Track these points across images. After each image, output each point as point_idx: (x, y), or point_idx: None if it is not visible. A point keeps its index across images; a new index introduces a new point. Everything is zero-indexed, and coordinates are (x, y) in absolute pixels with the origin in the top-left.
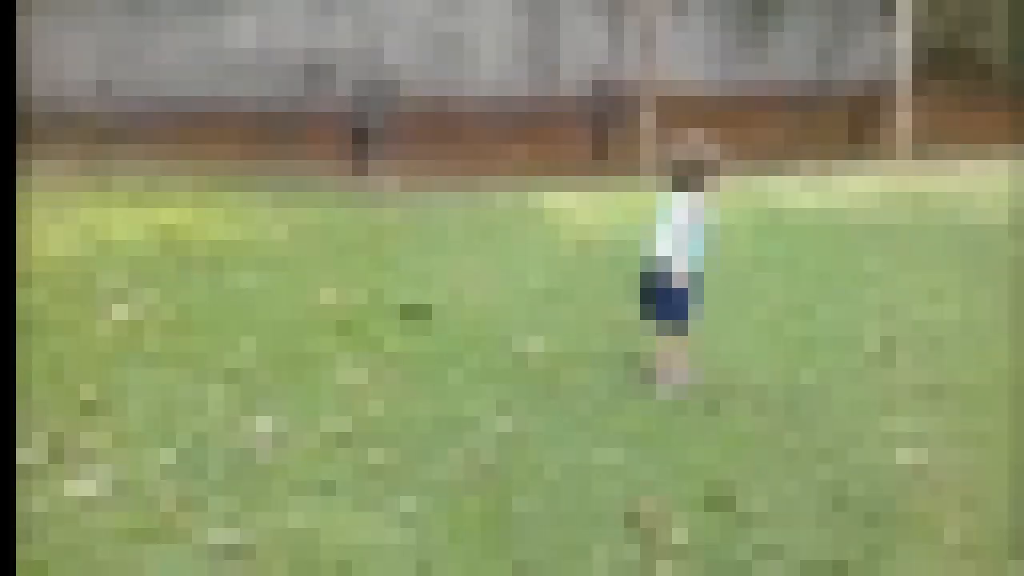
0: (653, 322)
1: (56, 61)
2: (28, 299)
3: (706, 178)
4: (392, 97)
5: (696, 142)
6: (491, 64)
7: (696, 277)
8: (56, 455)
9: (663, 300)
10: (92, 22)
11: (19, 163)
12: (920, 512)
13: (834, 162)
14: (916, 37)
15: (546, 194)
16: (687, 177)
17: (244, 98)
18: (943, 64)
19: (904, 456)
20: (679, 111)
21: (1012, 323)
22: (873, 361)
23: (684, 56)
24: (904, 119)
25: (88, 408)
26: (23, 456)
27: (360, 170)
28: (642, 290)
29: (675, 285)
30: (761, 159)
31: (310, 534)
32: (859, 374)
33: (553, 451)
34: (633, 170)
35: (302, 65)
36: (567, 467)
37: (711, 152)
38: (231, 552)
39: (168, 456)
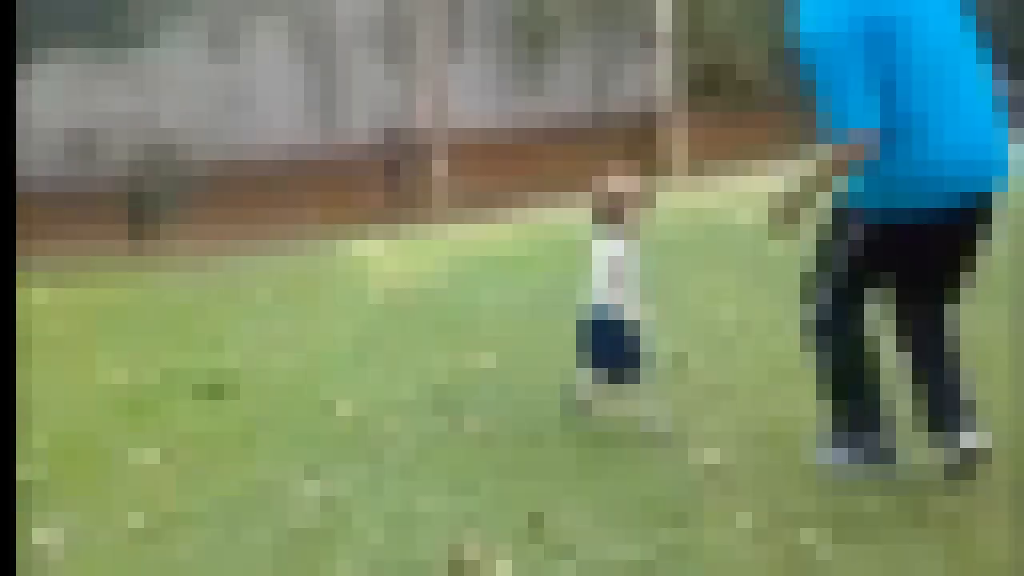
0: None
1: None
2: None
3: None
4: (172, 162)
5: (616, 176)
6: (274, 116)
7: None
8: None
9: (601, 346)
10: None
11: None
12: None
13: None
14: (679, 65)
15: (347, 243)
16: (609, 211)
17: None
18: (708, 86)
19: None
20: (471, 150)
21: (787, 320)
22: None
23: (467, 93)
24: (678, 138)
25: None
26: None
27: (136, 248)
28: (579, 337)
29: (626, 334)
30: (547, 190)
31: None
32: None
33: (368, 506)
34: (427, 214)
35: (75, 141)
36: (389, 517)
37: (631, 184)
38: None
39: None
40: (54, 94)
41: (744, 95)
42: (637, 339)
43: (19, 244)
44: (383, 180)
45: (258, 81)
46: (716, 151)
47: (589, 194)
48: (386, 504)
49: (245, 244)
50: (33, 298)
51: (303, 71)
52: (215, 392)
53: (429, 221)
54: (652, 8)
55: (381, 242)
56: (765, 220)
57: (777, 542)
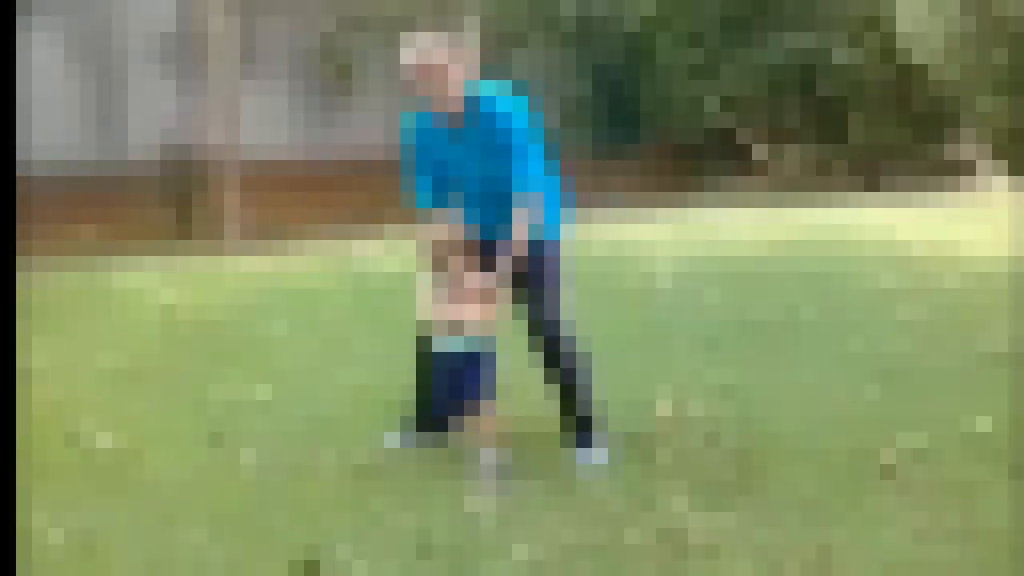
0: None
1: None
2: None
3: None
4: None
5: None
6: (51, 131)
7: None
8: None
9: (454, 384)
10: None
11: None
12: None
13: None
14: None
15: (124, 274)
16: (434, 260)
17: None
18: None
19: None
20: (263, 180)
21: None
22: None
23: (262, 123)
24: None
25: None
26: None
27: None
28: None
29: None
30: (346, 223)
31: None
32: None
33: (128, 545)
34: (216, 242)
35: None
36: (149, 562)
37: (455, 232)
38: None
39: None
40: None
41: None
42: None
43: None
44: (167, 203)
45: (32, 87)
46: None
47: (383, 227)
48: (145, 542)
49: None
50: None
51: (79, 82)
52: None
53: (218, 251)
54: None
55: (157, 272)
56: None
57: None
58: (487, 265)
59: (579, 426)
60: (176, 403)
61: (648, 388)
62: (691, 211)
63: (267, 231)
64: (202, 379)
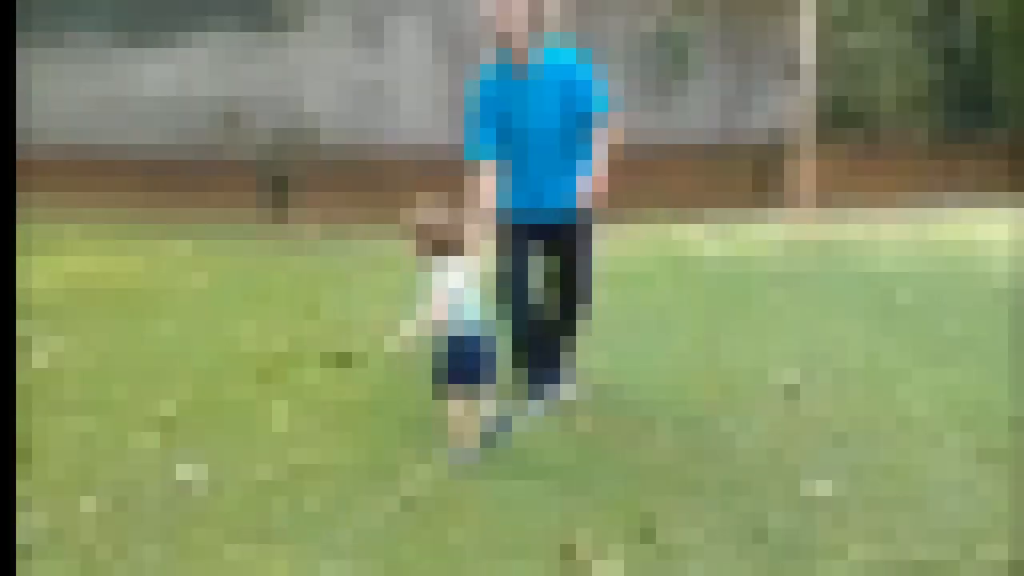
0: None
1: None
2: None
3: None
4: (311, 145)
5: (435, 205)
6: (410, 113)
7: (488, 341)
8: None
9: (456, 366)
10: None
11: None
12: (830, 542)
13: (739, 211)
14: (808, 99)
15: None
16: (445, 243)
17: (160, 146)
18: (834, 124)
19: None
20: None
21: (913, 368)
22: (782, 400)
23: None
24: (805, 171)
25: (20, 456)
26: None
27: (278, 217)
28: (437, 363)
29: (466, 349)
30: (670, 207)
31: None
32: (770, 412)
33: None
34: None
35: (220, 113)
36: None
37: (455, 216)
38: None
39: (99, 504)
40: (203, 70)
41: (871, 141)
42: (488, 355)
43: (159, 212)
44: None
45: (400, 75)
46: (845, 188)
47: (708, 212)
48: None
49: (369, 228)
50: (177, 250)
51: (447, 70)
52: (342, 360)
53: None
54: (792, 35)
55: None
56: (901, 266)
57: None
58: (526, 229)
59: (538, 372)
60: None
61: None
62: None
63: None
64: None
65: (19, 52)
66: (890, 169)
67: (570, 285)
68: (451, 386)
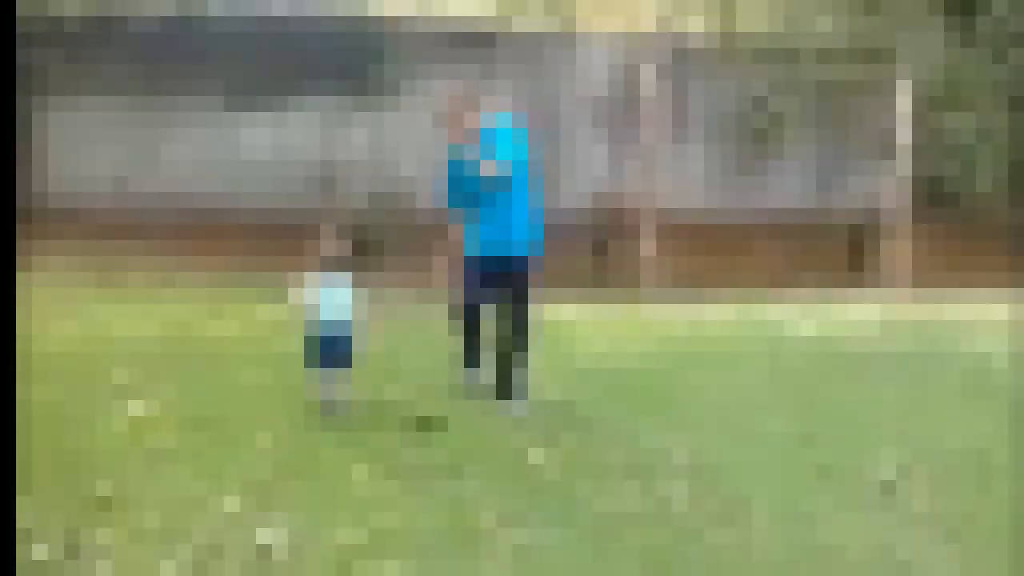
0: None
1: (73, 161)
2: (42, 394)
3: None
4: (406, 209)
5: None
6: None
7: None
8: (71, 551)
9: (328, 350)
10: (111, 125)
11: (31, 258)
12: None
13: (832, 290)
14: (904, 179)
15: (549, 306)
16: (346, 260)
17: (261, 209)
18: (930, 203)
19: None
20: (681, 231)
21: (1014, 453)
22: (883, 489)
23: (687, 181)
24: (901, 250)
25: (103, 504)
26: (38, 552)
27: (373, 281)
28: (308, 347)
29: (337, 334)
30: (760, 285)
31: None
32: (869, 502)
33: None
34: (633, 289)
35: (317, 177)
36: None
37: (344, 248)
38: None
39: (178, 567)
40: (302, 134)
41: (967, 221)
42: (350, 341)
43: (253, 263)
44: (592, 251)
45: None
46: (941, 268)
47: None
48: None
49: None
50: (270, 307)
51: (540, 135)
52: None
53: (635, 298)
54: (888, 115)
55: (575, 314)
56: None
57: None
58: (491, 276)
59: (505, 388)
60: (605, 438)
61: None
62: None
63: (684, 281)
64: (629, 418)
65: (135, 117)
66: (987, 249)
67: (520, 312)
68: (322, 369)
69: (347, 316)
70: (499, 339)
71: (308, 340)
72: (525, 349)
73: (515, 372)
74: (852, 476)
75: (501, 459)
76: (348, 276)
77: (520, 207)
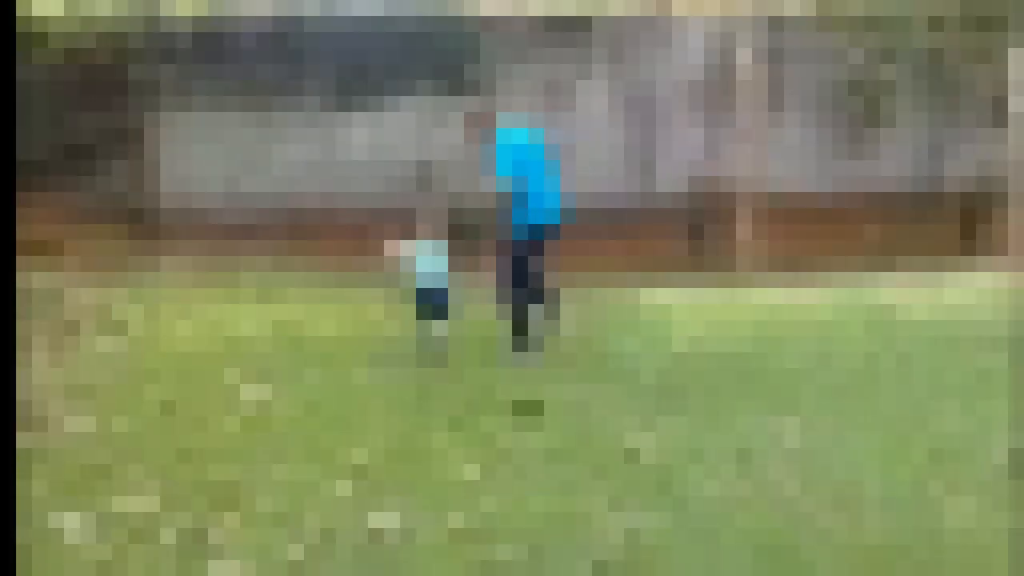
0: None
1: (186, 168)
2: (164, 393)
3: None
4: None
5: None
6: (597, 176)
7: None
8: (199, 535)
9: (424, 301)
10: (221, 130)
11: (150, 260)
12: None
13: (945, 264)
14: (1017, 147)
15: (645, 291)
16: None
17: (356, 207)
18: None
19: None
20: (782, 212)
21: None
22: (997, 473)
23: (788, 157)
24: (1015, 220)
25: (224, 491)
26: (166, 536)
27: (469, 282)
28: (417, 298)
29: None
30: (865, 266)
31: None
32: (984, 486)
33: (674, 550)
34: (732, 273)
35: (413, 176)
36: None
37: (440, 230)
38: None
39: (296, 551)
40: (402, 130)
41: None
42: (445, 294)
43: (359, 263)
44: (689, 235)
45: (581, 133)
46: None
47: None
48: (688, 551)
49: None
50: (371, 314)
51: (623, 127)
52: (532, 408)
53: (734, 282)
54: (1000, 83)
55: (674, 298)
56: None
57: None
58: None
59: (521, 340)
60: (705, 422)
61: None
62: None
63: (784, 264)
64: (729, 402)
65: (240, 118)
66: None
67: (538, 266)
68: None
69: (443, 270)
70: (515, 293)
71: (417, 292)
72: (541, 302)
73: (531, 324)
74: (967, 460)
75: (601, 443)
76: (444, 244)
77: (552, 183)
